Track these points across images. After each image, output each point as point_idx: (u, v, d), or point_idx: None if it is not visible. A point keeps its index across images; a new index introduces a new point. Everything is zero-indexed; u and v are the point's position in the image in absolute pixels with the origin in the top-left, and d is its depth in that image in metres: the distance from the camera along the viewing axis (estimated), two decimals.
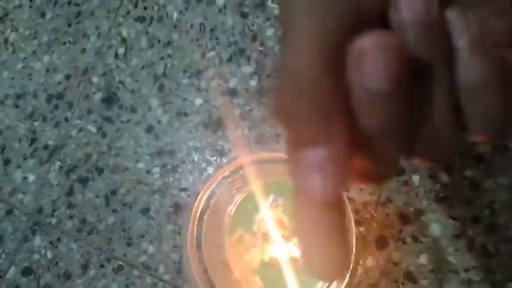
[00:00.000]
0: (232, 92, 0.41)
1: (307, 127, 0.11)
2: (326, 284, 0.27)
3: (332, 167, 0.11)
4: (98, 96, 0.45)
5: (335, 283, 0.26)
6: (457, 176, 0.35)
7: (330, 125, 0.11)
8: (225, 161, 0.30)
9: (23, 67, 0.49)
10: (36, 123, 0.47)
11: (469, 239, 0.34)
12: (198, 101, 0.42)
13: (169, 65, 0.44)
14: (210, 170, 0.40)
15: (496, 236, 0.33)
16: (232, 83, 0.42)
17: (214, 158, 0.41)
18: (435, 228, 0.34)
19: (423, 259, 0.34)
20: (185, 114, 0.42)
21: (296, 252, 0.31)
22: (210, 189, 0.32)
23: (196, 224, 0.31)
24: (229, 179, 0.31)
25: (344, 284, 0.27)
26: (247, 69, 0.41)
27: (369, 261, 0.35)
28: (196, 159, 0.41)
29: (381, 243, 0.35)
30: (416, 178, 0.35)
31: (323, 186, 0.11)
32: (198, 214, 0.32)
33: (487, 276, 0.33)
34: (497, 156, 0.34)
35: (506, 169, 0.34)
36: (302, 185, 0.12)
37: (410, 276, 0.34)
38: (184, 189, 0.41)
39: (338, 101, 0.11)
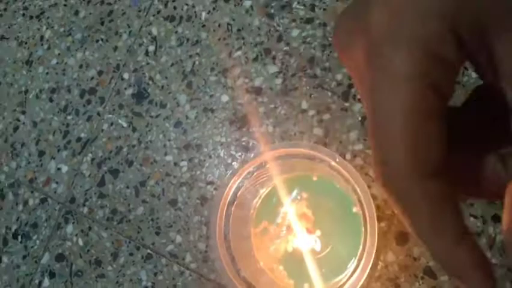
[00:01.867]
0: (257, 91, 0.43)
1: None
2: (348, 276, 0.28)
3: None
4: (129, 91, 0.47)
5: (355, 275, 0.27)
6: None
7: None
8: (251, 155, 0.31)
9: (58, 63, 0.52)
10: (69, 117, 0.50)
11: (489, 237, 0.34)
12: (224, 98, 0.44)
13: (197, 63, 0.45)
14: (235, 164, 0.42)
15: None
16: (257, 82, 0.43)
17: (239, 153, 0.42)
18: None
19: None
20: (212, 111, 0.44)
21: (318, 244, 0.32)
22: (237, 182, 0.33)
23: (224, 215, 0.33)
24: (254, 173, 0.33)
25: (365, 276, 0.28)
26: (273, 68, 0.43)
27: (389, 256, 0.36)
28: (221, 154, 0.43)
29: (402, 239, 0.36)
30: None
31: None
32: (226, 206, 0.33)
33: (507, 274, 0.33)
34: None
35: None
36: None
37: (429, 272, 0.35)
38: (211, 183, 0.42)
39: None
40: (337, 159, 0.29)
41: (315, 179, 0.34)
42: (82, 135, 0.48)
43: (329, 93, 0.40)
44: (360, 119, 0.39)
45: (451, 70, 0.14)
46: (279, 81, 0.42)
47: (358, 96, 0.39)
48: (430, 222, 0.13)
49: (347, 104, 0.40)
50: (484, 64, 0.14)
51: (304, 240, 0.32)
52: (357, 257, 0.27)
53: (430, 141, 0.13)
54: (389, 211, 0.36)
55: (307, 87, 0.41)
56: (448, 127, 0.14)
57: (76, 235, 0.46)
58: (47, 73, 0.52)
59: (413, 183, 0.13)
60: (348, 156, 0.39)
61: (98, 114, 0.48)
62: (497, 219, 0.34)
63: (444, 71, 0.13)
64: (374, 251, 0.27)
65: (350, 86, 0.40)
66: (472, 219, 0.35)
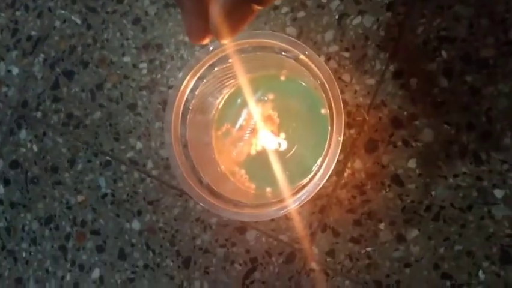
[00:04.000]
0: None
1: None
2: (310, 177, 0.26)
3: None
4: None
5: (318, 175, 0.25)
6: (457, 80, 0.33)
7: None
8: (209, 48, 0.28)
9: None
10: (18, 13, 0.44)
11: (461, 146, 0.33)
12: None
13: None
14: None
15: (489, 143, 0.32)
16: None
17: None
18: (428, 133, 0.33)
19: (412, 163, 0.33)
20: (174, 6, 0.39)
21: (283, 147, 0.30)
22: (193, 81, 0.30)
23: (180, 119, 0.30)
24: (215, 70, 0.29)
25: (328, 173, 0.26)
26: None
27: (357, 164, 0.34)
28: (185, 56, 0.39)
29: (371, 146, 0.34)
30: (413, 81, 0.34)
31: None
32: (182, 108, 0.30)
33: (475, 182, 0.32)
34: (501, 61, 0.32)
35: (509, 75, 0.32)
36: None
37: (397, 179, 0.34)
38: (173, 87, 0.39)
39: None
40: (306, 52, 0.25)
41: (282, 78, 0.31)
42: (33, 33, 0.44)
43: None
44: (337, 17, 0.35)
45: None
46: None
47: None
48: None
49: (323, 1, 0.36)
50: None
51: (268, 143, 0.30)
52: (321, 157, 0.25)
53: None
54: (359, 117, 0.34)
55: None
56: None
57: (30, 141, 0.43)
58: None
59: None
60: (322, 58, 0.35)
61: (50, 9, 0.43)
62: (471, 127, 0.33)
63: None
64: (339, 150, 0.25)
65: None
66: (445, 126, 0.33)
